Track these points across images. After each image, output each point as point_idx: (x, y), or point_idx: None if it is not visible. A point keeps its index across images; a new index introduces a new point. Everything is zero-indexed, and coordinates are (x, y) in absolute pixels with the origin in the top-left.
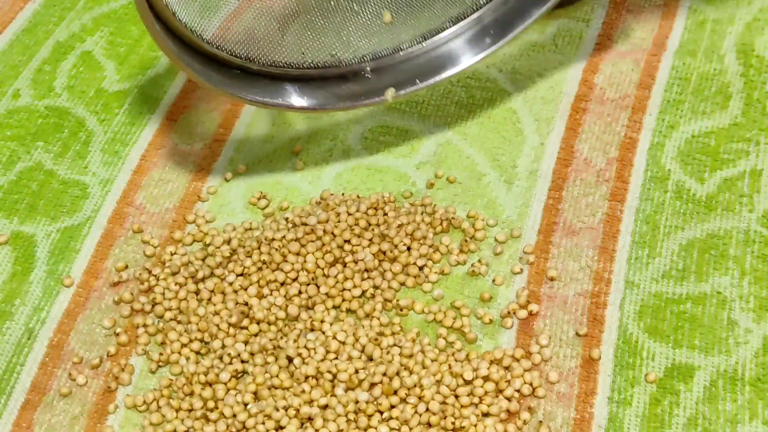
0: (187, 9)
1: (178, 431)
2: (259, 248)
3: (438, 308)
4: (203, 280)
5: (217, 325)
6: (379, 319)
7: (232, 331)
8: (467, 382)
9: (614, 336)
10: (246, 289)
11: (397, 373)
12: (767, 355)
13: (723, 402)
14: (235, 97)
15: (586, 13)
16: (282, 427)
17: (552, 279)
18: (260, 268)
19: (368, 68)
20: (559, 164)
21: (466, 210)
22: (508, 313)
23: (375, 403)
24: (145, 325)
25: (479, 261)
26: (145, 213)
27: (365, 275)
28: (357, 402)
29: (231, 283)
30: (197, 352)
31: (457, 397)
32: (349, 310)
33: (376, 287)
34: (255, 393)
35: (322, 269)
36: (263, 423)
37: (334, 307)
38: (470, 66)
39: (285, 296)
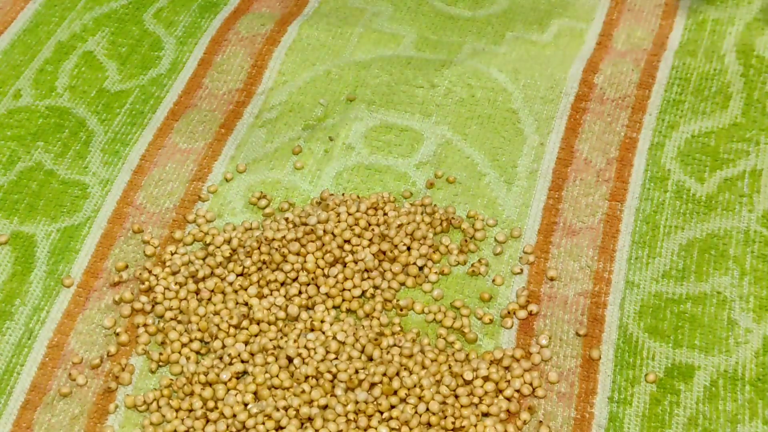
0: None
1: (178, 431)
2: (259, 248)
3: (438, 308)
4: (203, 279)
5: (218, 325)
6: (379, 319)
7: (232, 331)
8: (467, 382)
9: (614, 336)
10: (246, 289)
11: (397, 373)
12: (767, 355)
13: (723, 402)
14: None
15: (586, 13)
16: (282, 427)
17: (552, 279)
18: (260, 268)
19: None
20: (559, 164)
21: (466, 210)
22: (508, 313)
23: (375, 403)
24: (145, 325)
25: (479, 261)
26: (145, 213)
27: (365, 275)
28: (357, 402)
29: (231, 283)
30: (197, 352)
31: (457, 397)
32: (349, 310)
33: (376, 287)
34: (255, 393)
35: (322, 269)
36: (263, 423)
37: (334, 307)
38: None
39: (285, 296)
